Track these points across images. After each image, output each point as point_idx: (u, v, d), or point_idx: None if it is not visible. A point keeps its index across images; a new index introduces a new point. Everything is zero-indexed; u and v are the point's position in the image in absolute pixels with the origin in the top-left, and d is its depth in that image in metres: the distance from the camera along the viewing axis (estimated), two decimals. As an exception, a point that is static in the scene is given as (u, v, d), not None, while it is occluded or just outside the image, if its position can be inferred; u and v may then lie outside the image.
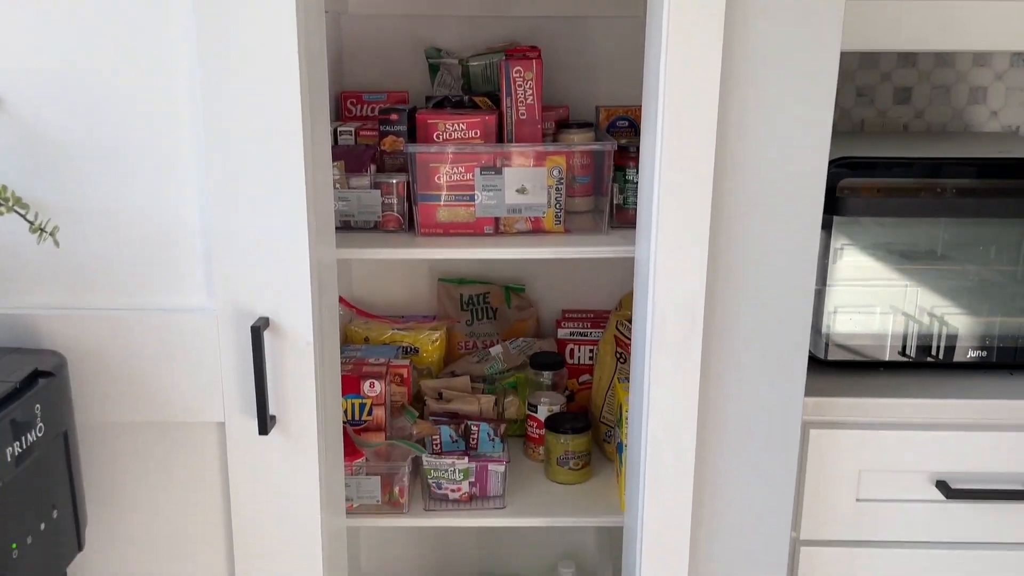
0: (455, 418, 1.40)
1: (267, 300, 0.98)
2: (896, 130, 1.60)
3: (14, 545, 0.83)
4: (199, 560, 1.09)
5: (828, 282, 1.13)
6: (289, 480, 1.04)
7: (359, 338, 1.53)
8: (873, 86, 1.57)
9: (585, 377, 1.55)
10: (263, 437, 1.00)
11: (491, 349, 1.54)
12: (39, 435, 0.86)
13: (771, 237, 0.99)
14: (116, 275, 1.00)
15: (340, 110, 1.48)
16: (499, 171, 1.24)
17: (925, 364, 1.17)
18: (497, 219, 1.26)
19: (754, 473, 1.06)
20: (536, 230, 1.27)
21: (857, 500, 1.13)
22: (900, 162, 1.11)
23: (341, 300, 1.44)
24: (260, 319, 0.98)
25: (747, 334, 1.02)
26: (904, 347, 1.15)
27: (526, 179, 1.24)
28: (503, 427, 1.39)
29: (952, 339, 1.15)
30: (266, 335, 0.97)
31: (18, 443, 0.82)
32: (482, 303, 1.60)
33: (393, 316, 1.59)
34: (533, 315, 1.60)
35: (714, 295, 1.00)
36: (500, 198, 1.24)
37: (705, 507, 1.07)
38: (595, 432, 1.45)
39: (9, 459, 0.81)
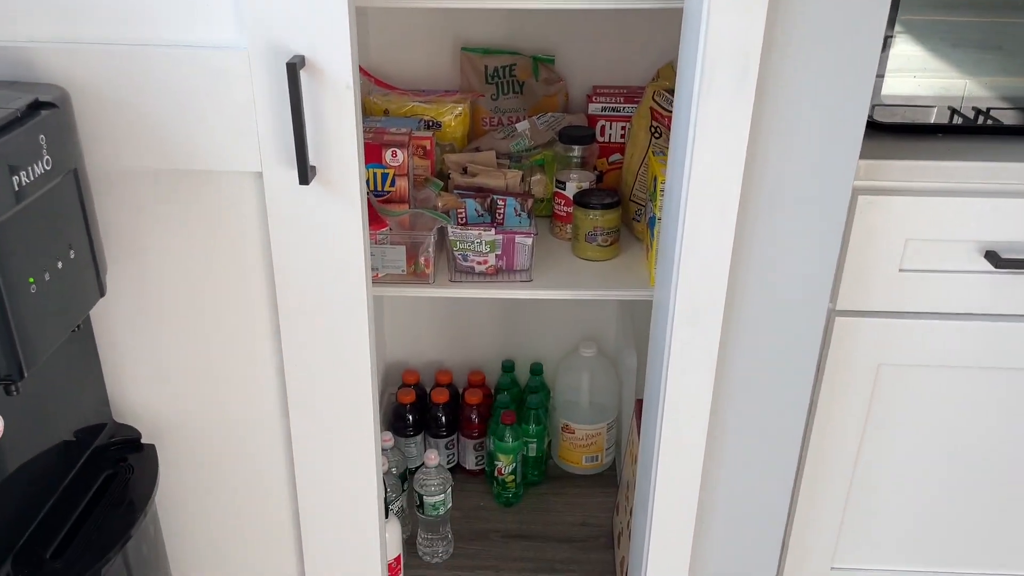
0: (481, 192, 1.34)
1: (304, 37, 0.90)
2: None
3: (31, 279, 0.80)
4: (239, 313, 1.07)
5: (891, 33, 1.03)
6: (333, 233, 0.99)
7: (379, 110, 1.45)
8: None
9: (616, 157, 1.48)
10: (304, 188, 0.94)
11: (517, 125, 1.46)
12: (46, 168, 0.81)
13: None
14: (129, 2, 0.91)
15: None
16: None
17: (985, 128, 1.09)
18: (529, -33, 1.15)
19: (797, 237, 1.01)
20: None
21: (900, 271, 1.08)
22: None
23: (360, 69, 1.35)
24: (296, 56, 0.90)
25: (803, 83, 0.93)
26: (961, 111, 1.07)
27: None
28: (530, 202, 1.34)
29: (1015, 102, 1.06)
30: (303, 76, 0.89)
31: (24, 173, 0.77)
32: (508, 76, 1.50)
33: (414, 89, 1.50)
34: (563, 89, 1.51)
35: (772, 39, 0.91)
36: None
37: (740, 275, 1.03)
38: (625, 212, 1.40)
39: (17, 187, 0.76)
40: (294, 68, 0.88)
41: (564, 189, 1.37)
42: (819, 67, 0.93)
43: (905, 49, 1.05)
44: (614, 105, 1.45)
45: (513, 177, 1.36)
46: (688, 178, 0.98)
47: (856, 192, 1.05)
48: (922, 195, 1.05)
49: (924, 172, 1.04)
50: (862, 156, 1.00)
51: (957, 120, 1.09)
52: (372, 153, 1.26)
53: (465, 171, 1.38)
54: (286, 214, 0.99)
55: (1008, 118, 1.08)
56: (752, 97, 0.93)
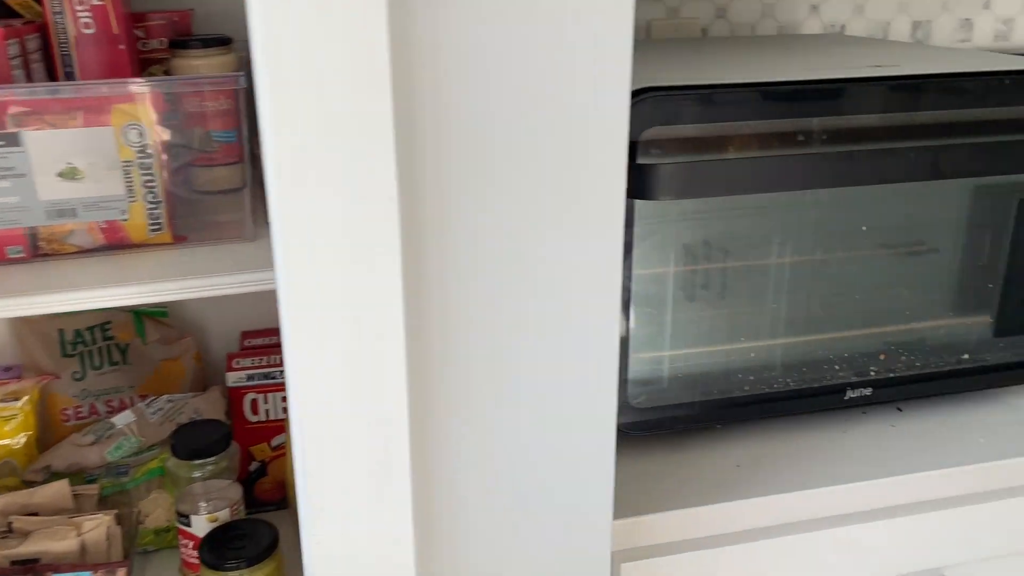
0: (32, 573, 0.81)
1: None
2: (693, 35, 1.15)
3: None
4: None
5: (632, 306, 0.66)
6: None
7: None
8: (661, -28, 1.11)
9: (281, 439, 1.01)
10: None
11: (115, 419, 0.95)
12: None
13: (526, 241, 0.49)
14: None
15: None
16: (16, 138, 0.64)
17: (787, 411, 0.74)
18: (32, 232, 0.66)
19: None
20: (115, 243, 0.69)
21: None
22: (736, 91, 0.63)
23: None
24: None
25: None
26: (756, 392, 0.71)
27: (76, 150, 0.65)
28: None
29: (832, 374, 0.72)
30: None
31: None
32: (101, 339, 1.00)
33: (-59, 378, 0.95)
34: (189, 350, 1.02)
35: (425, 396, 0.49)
36: (28, 191, 0.65)
37: None
38: (296, 521, 0.92)
39: None
40: None
41: (189, 524, 0.88)
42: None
43: (657, 323, 0.68)
44: (270, 367, 0.99)
45: (96, 529, 0.84)
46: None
47: (616, 560, 0.65)
48: (711, 546, 0.67)
49: (707, 521, 0.66)
50: (621, 505, 0.61)
51: (750, 406, 0.73)
52: None
53: (10, 530, 0.84)
54: None
55: (825, 399, 0.74)
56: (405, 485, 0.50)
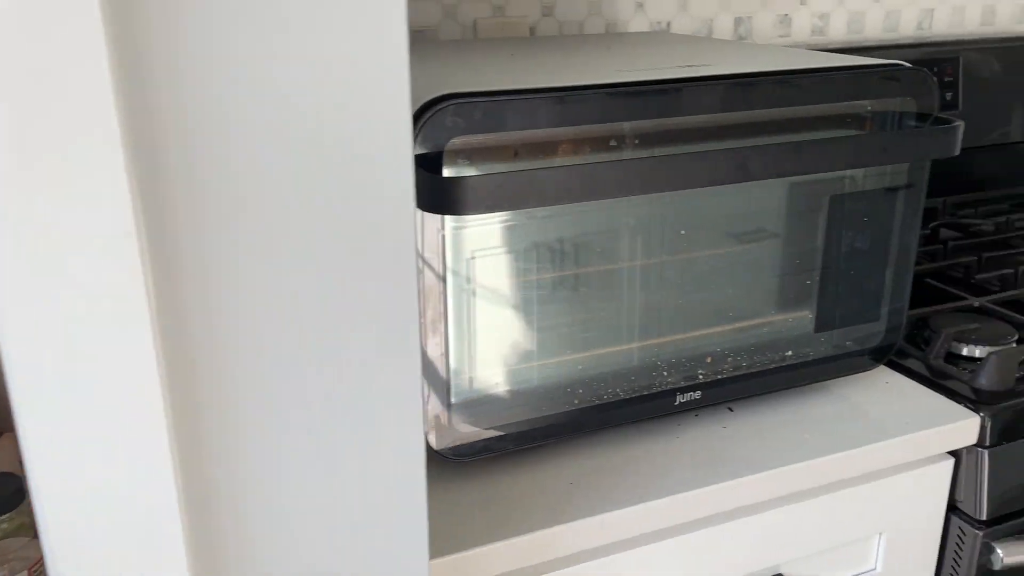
0: None
1: None
2: (521, 34, 1.13)
3: None
4: None
5: (450, 322, 0.62)
6: None
7: None
8: (484, -31, 1.08)
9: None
10: None
11: None
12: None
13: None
14: None
15: None
16: None
17: (618, 420, 0.72)
18: None
19: None
20: None
21: None
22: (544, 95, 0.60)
23: None
24: None
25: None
26: (587, 404, 0.68)
27: None
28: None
29: (661, 380, 0.70)
30: None
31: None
32: None
33: None
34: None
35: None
36: None
37: None
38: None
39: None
40: None
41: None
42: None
43: (473, 342, 0.64)
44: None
45: None
46: None
47: (446, 598, 0.61)
48: (539, 574, 0.64)
49: (549, 543, 0.63)
50: (443, 540, 0.57)
51: (573, 421, 0.71)
52: None
53: None
54: None
55: (655, 406, 0.72)
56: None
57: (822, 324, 0.75)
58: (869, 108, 0.72)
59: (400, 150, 0.42)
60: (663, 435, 0.73)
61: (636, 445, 0.72)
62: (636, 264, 0.67)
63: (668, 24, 1.20)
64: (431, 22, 1.08)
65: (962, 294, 0.96)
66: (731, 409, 0.77)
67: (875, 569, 0.79)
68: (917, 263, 1.07)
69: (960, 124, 0.70)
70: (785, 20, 1.27)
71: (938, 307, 0.92)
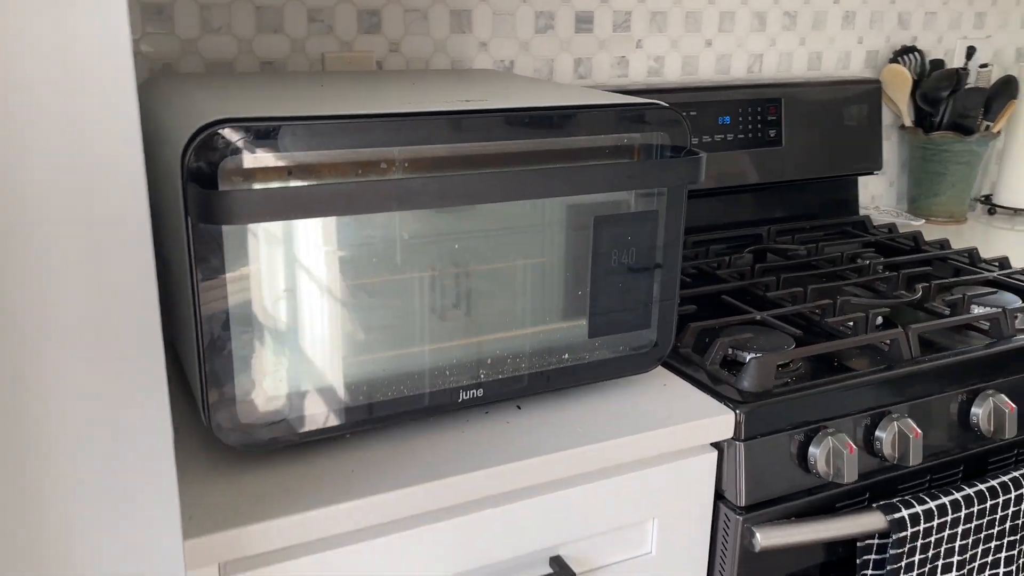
0: None
1: None
2: (368, 68, 1.21)
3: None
4: None
5: (232, 325, 0.69)
6: None
7: None
8: (331, 7, 1.16)
9: None
10: None
11: None
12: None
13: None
14: None
15: None
16: None
17: (405, 415, 0.79)
18: None
19: None
20: None
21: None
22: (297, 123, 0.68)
23: None
24: None
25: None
26: (369, 405, 0.76)
27: None
28: None
29: (443, 379, 0.78)
30: None
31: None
32: None
33: None
34: None
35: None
36: None
37: None
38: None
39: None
40: None
41: None
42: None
43: (256, 342, 0.71)
44: None
45: None
46: None
47: (223, 572, 0.67)
48: (326, 548, 0.71)
49: (322, 522, 0.70)
50: (223, 524, 0.64)
51: (364, 417, 0.78)
52: None
53: None
54: None
55: (439, 402, 0.80)
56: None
57: (595, 331, 0.84)
58: (640, 141, 0.82)
59: (128, 134, 0.49)
60: (451, 430, 0.81)
61: (423, 438, 0.80)
62: (422, 275, 0.75)
63: (512, 63, 1.31)
64: (280, 55, 1.15)
65: (750, 309, 1.07)
66: (519, 407, 0.86)
67: (651, 552, 0.88)
68: (724, 281, 1.19)
69: (703, 156, 0.80)
70: (623, 62, 1.39)
71: (726, 319, 1.03)
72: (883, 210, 1.69)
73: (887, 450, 0.93)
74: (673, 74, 1.44)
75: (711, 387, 0.90)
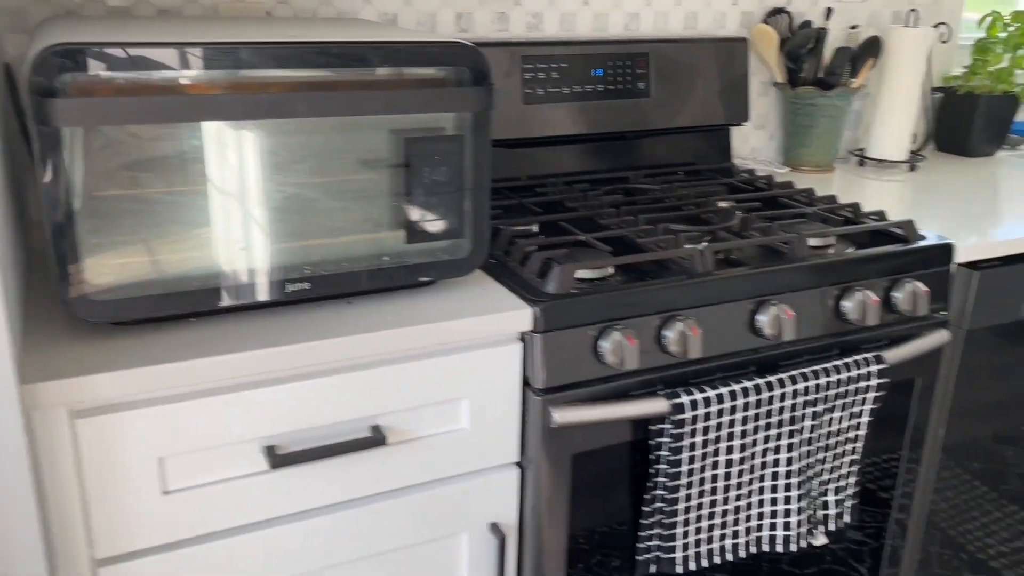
0: None
1: None
2: (259, 15, 1.35)
3: None
4: None
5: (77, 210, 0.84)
6: None
7: None
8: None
9: None
10: None
11: None
12: None
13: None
14: None
15: None
16: None
17: (239, 308, 0.95)
18: None
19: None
20: None
21: (165, 494, 0.88)
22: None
23: None
24: None
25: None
26: (208, 290, 0.91)
27: None
28: None
29: (271, 272, 0.94)
30: None
31: None
32: None
33: None
34: None
35: None
36: None
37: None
38: None
39: None
40: None
41: None
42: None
43: (97, 227, 0.86)
44: None
45: None
46: None
47: (73, 416, 0.83)
48: (167, 403, 0.86)
49: (157, 379, 0.85)
50: (74, 372, 0.79)
51: (203, 306, 0.93)
52: None
53: None
54: None
55: (270, 291, 0.95)
56: None
57: (413, 238, 1.00)
58: (449, 74, 0.97)
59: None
60: (287, 317, 0.96)
61: (260, 322, 0.95)
62: (263, 183, 0.90)
63: (395, 16, 1.45)
64: (175, 4, 1.29)
65: (578, 231, 1.22)
66: (350, 303, 1.01)
67: (465, 427, 1.04)
68: (574, 209, 1.34)
69: (493, 87, 0.96)
70: (503, 17, 1.53)
71: (554, 239, 1.18)
72: (759, 160, 1.84)
73: (672, 347, 1.09)
74: (552, 29, 1.58)
75: (519, 290, 1.06)
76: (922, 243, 1.28)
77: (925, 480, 1.46)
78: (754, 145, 1.86)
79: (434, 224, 1.00)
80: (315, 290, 0.96)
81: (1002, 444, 1.52)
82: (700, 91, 1.63)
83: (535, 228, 1.26)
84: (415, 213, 0.99)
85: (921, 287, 1.24)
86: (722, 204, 1.41)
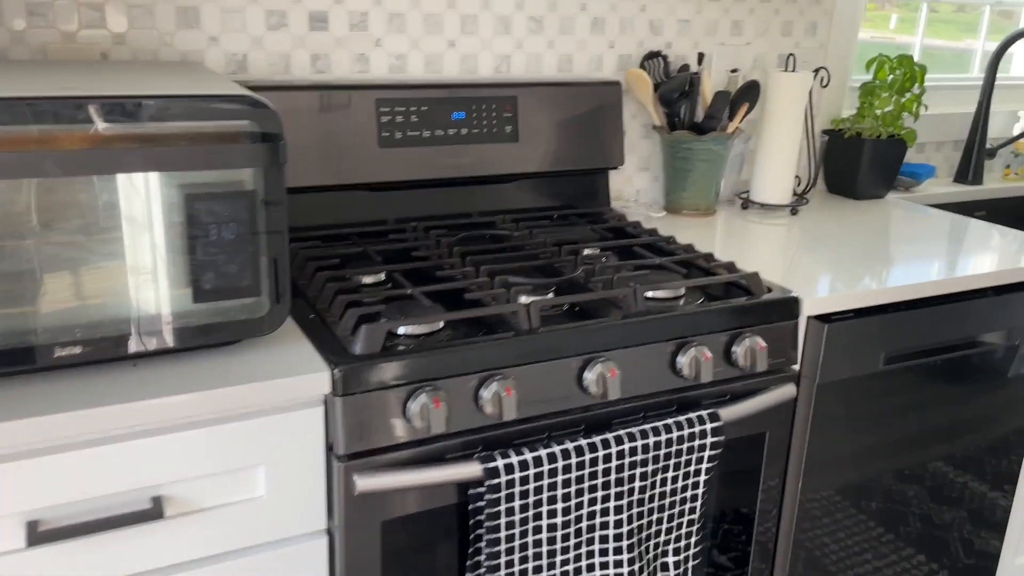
0: None
1: None
2: (93, 58, 1.31)
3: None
4: None
5: None
6: None
7: None
8: (50, 2, 1.25)
9: None
10: None
11: None
12: None
13: None
14: None
15: None
16: None
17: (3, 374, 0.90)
18: None
19: None
20: None
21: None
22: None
23: None
24: None
25: None
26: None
27: None
28: None
29: (38, 336, 0.88)
30: None
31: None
32: None
33: None
34: None
35: None
36: None
37: None
38: None
39: None
40: None
41: None
42: None
43: None
44: None
45: None
46: None
47: None
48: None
49: None
50: None
51: None
52: None
53: None
54: None
55: (36, 357, 0.90)
56: None
57: (200, 297, 0.95)
58: (248, 128, 0.93)
59: None
60: (60, 386, 0.91)
61: (29, 390, 0.89)
62: (25, 242, 0.85)
63: (244, 57, 1.41)
64: (1, 45, 1.24)
65: (408, 284, 1.18)
66: (135, 365, 0.96)
67: (263, 496, 0.99)
68: (423, 258, 1.30)
69: (282, 143, 0.92)
70: (362, 58, 1.50)
71: (388, 292, 1.14)
72: (640, 203, 1.83)
73: (488, 408, 1.05)
74: (417, 71, 1.55)
75: (325, 350, 1.01)
76: (767, 297, 1.26)
77: (787, 535, 1.43)
78: (639, 187, 1.84)
79: (223, 282, 0.96)
80: (88, 354, 0.91)
81: (862, 496, 1.50)
82: (572, 134, 1.61)
83: (372, 279, 1.22)
84: (201, 271, 0.94)
85: (760, 342, 1.21)
86: (587, 251, 1.39)
